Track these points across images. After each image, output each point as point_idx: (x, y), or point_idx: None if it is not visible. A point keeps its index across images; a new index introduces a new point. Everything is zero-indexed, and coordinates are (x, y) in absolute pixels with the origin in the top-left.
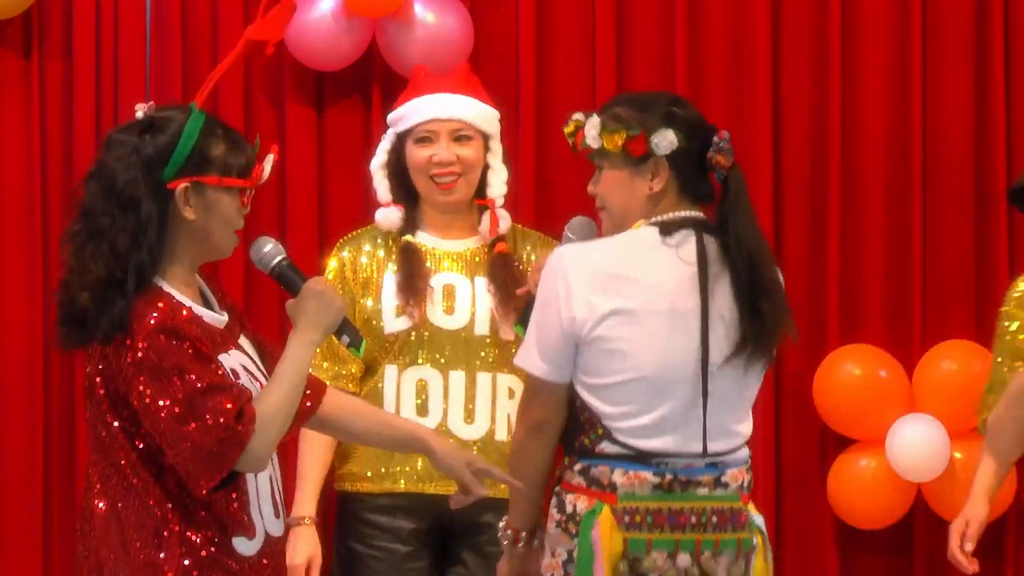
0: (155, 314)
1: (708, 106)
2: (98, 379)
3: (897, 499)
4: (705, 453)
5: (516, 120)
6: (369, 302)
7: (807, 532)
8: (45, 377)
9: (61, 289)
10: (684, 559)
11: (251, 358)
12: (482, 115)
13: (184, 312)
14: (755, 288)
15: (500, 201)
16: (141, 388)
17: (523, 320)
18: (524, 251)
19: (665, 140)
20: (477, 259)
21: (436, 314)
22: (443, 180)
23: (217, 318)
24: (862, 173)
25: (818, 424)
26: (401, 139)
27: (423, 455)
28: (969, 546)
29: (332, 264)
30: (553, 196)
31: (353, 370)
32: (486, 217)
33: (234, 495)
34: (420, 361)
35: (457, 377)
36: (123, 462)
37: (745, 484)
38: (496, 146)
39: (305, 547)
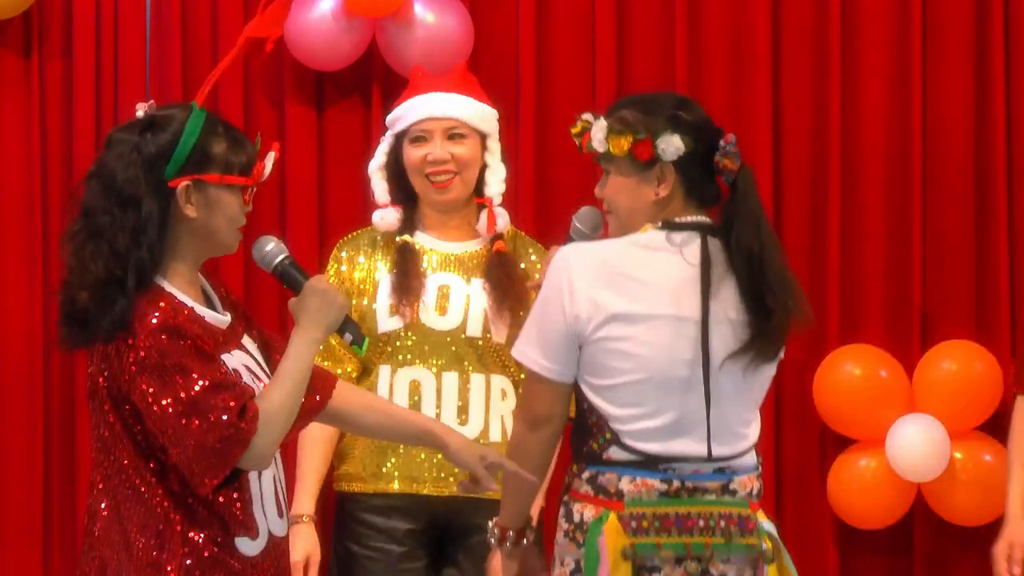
0: (157, 313)
1: (708, 106)
2: (100, 379)
3: (897, 499)
4: (710, 456)
5: (516, 120)
6: (364, 302)
7: (807, 532)
8: (45, 377)
9: (62, 289)
10: (693, 564)
11: (254, 358)
12: (477, 114)
13: (185, 312)
14: (759, 287)
15: (498, 199)
16: (144, 387)
17: None
18: (525, 257)
19: (671, 146)
20: (475, 261)
21: (429, 315)
22: (438, 179)
23: (219, 318)
24: (862, 173)
25: (818, 424)
26: (398, 140)
27: (435, 449)
28: (1017, 570)
29: (331, 264)
30: (553, 196)
31: (349, 370)
32: (484, 215)
33: (237, 495)
34: (413, 362)
35: (450, 378)
36: (126, 462)
37: (754, 492)
38: (494, 145)
39: (303, 545)
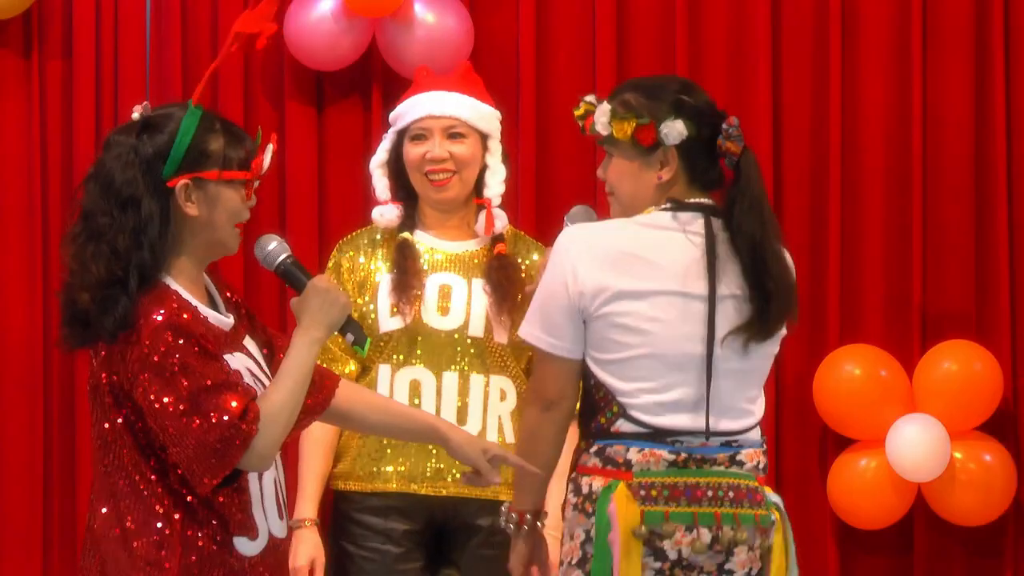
0: (162, 311)
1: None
2: (103, 375)
3: (897, 499)
4: (708, 431)
5: (516, 120)
6: (365, 300)
7: (807, 532)
8: (45, 376)
9: (63, 291)
10: (703, 532)
11: (255, 360)
12: (478, 113)
13: (190, 311)
14: (759, 270)
15: (497, 200)
16: (146, 385)
17: None
18: (527, 258)
19: (674, 130)
20: (475, 261)
21: (430, 314)
22: (436, 177)
23: (222, 320)
24: (862, 172)
25: (818, 424)
26: (400, 137)
27: (435, 445)
28: None
29: (331, 265)
30: (553, 195)
31: (347, 370)
32: (482, 216)
33: (237, 495)
34: (413, 361)
35: (450, 378)
36: (126, 460)
37: (761, 466)
38: (494, 145)
39: (307, 549)
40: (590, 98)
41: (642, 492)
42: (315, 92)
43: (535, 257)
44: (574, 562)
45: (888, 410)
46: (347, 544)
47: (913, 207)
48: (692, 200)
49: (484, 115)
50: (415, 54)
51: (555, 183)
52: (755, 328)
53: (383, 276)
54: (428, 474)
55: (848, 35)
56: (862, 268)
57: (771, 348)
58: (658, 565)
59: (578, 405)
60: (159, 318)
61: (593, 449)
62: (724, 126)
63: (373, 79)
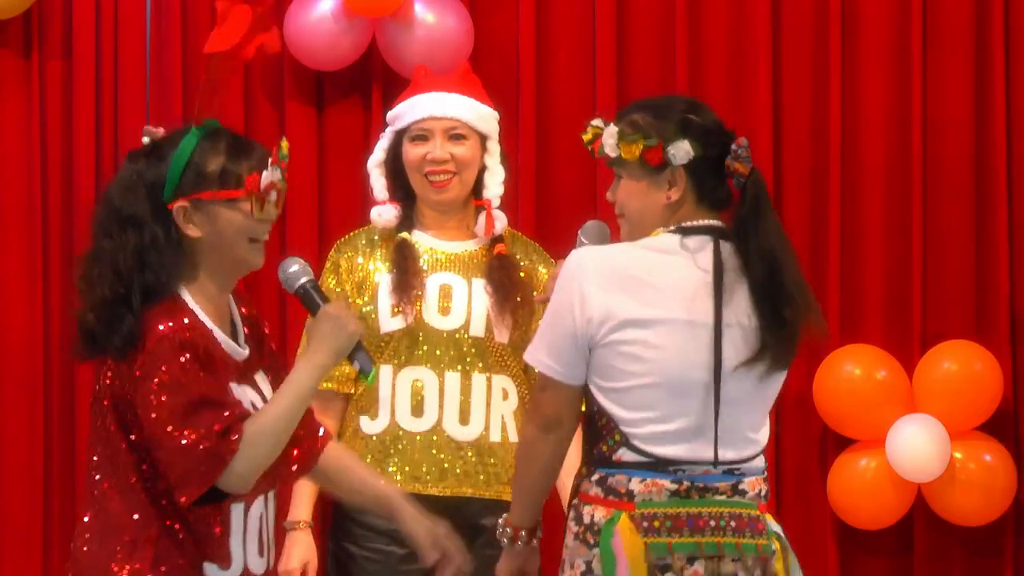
0: (169, 323)
1: (708, 101)
2: (106, 381)
3: (897, 499)
4: (716, 460)
5: (516, 120)
6: (365, 301)
7: (807, 532)
8: (45, 377)
9: (75, 311)
10: (707, 563)
11: (263, 396)
12: (478, 115)
13: (201, 329)
14: (776, 295)
15: (496, 202)
16: (143, 395)
17: None
18: (525, 259)
19: (681, 151)
20: (475, 261)
21: (431, 314)
22: (437, 178)
23: (236, 349)
24: (862, 173)
25: (818, 424)
26: (398, 137)
27: (386, 518)
28: None
29: (329, 267)
30: (553, 196)
31: (348, 370)
32: (482, 218)
33: (218, 519)
34: (415, 362)
35: (452, 378)
36: (115, 466)
37: (763, 493)
38: (494, 146)
39: (300, 551)
40: (597, 122)
41: (644, 524)
42: (315, 92)
43: (533, 258)
44: None
45: (888, 410)
46: (349, 545)
47: (913, 207)
48: (700, 223)
49: (484, 116)
50: (415, 54)
51: (555, 184)
52: (768, 358)
53: (382, 276)
54: (432, 474)
55: (848, 35)
56: (862, 268)
57: (781, 376)
58: None
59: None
60: (162, 328)
61: (595, 477)
62: (733, 147)
63: (373, 79)
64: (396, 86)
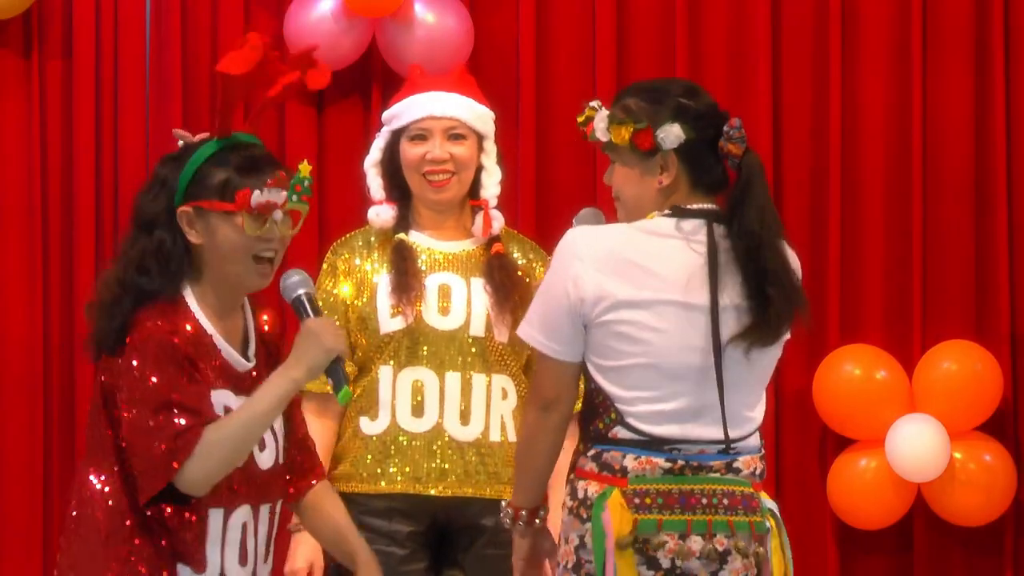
0: (158, 323)
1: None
2: (101, 377)
3: (897, 499)
4: (727, 440)
5: (516, 120)
6: (364, 302)
7: (807, 532)
8: (45, 377)
9: (86, 310)
10: (696, 540)
11: None
12: (476, 114)
13: (194, 333)
14: (759, 274)
15: (493, 202)
16: (122, 392)
17: None
18: (522, 257)
19: (671, 134)
20: (473, 260)
21: (431, 314)
22: (436, 178)
23: (239, 360)
24: (862, 173)
25: (818, 424)
26: (395, 137)
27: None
28: None
29: (325, 267)
30: (553, 196)
31: (347, 370)
32: (479, 218)
33: (194, 523)
34: (416, 362)
35: (453, 378)
36: (102, 461)
37: (757, 472)
38: (490, 146)
39: (305, 552)
40: (593, 103)
41: (636, 500)
42: (315, 92)
43: (531, 256)
44: (569, 566)
45: (888, 410)
46: None
47: (913, 208)
48: (695, 206)
49: (482, 116)
50: (415, 54)
51: (555, 183)
52: (755, 334)
53: (381, 277)
54: (432, 474)
55: (848, 36)
56: (862, 268)
57: (774, 353)
58: (651, 574)
59: (579, 405)
60: (149, 327)
61: (591, 453)
62: (726, 128)
63: (373, 79)
64: (396, 86)
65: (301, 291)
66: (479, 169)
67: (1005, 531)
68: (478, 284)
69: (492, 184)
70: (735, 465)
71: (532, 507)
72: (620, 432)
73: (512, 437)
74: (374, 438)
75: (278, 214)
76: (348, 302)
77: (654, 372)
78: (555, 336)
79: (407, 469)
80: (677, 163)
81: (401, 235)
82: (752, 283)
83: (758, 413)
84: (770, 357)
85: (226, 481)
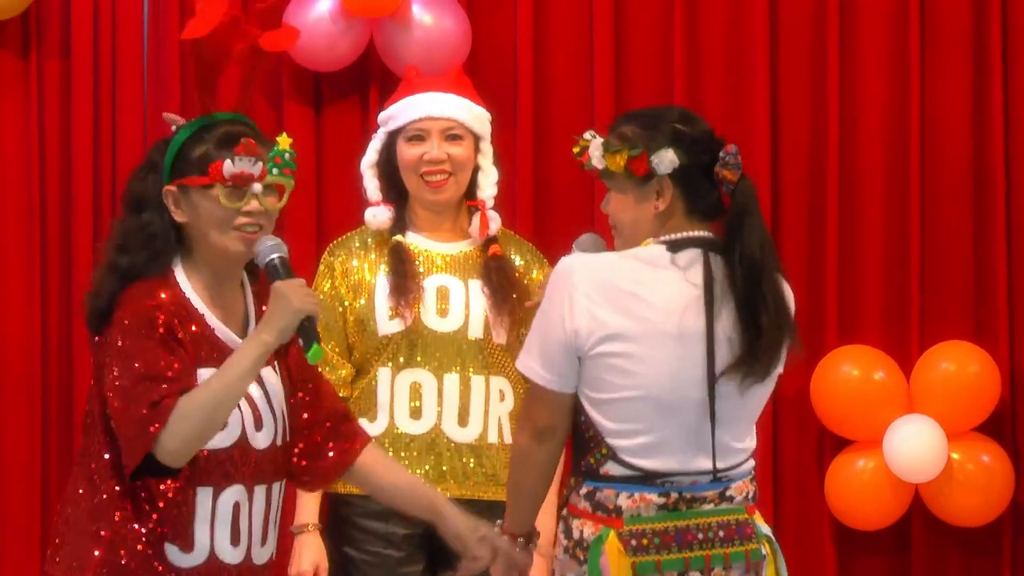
0: (142, 298)
1: (706, 106)
2: (93, 359)
3: (895, 500)
4: (715, 472)
5: (513, 122)
6: (362, 303)
7: (805, 533)
8: (44, 376)
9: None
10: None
11: (264, 390)
12: (473, 115)
13: (174, 304)
14: (754, 303)
15: (491, 203)
16: (106, 366)
17: None
18: (519, 256)
19: (665, 160)
20: (470, 262)
21: (430, 316)
22: (433, 179)
23: (233, 338)
24: (860, 174)
25: (816, 425)
26: (392, 138)
27: (433, 519)
28: None
29: (322, 268)
30: (550, 197)
31: (343, 374)
32: (476, 219)
33: (181, 501)
34: (414, 364)
35: (451, 380)
36: (95, 444)
37: (750, 495)
38: (487, 147)
39: (311, 554)
40: (587, 135)
41: (633, 542)
42: (313, 93)
43: (528, 258)
44: None
45: (886, 411)
46: (349, 549)
47: (911, 208)
48: (690, 235)
49: (479, 117)
50: (413, 55)
51: (552, 185)
52: (747, 366)
53: (378, 279)
54: (431, 476)
55: (846, 36)
56: (860, 269)
57: (767, 388)
58: None
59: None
60: (132, 303)
61: (583, 491)
62: (721, 154)
63: (371, 80)
64: (394, 87)
65: (274, 255)
66: (476, 170)
67: (1003, 532)
68: (476, 286)
69: (489, 185)
70: (728, 493)
71: (525, 532)
72: (612, 468)
73: (509, 439)
74: (375, 440)
75: (256, 186)
76: (346, 303)
77: (646, 404)
78: (551, 367)
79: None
80: (672, 188)
81: (398, 236)
82: (746, 313)
83: (750, 443)
84: (762, 393)
85: (215, 459)
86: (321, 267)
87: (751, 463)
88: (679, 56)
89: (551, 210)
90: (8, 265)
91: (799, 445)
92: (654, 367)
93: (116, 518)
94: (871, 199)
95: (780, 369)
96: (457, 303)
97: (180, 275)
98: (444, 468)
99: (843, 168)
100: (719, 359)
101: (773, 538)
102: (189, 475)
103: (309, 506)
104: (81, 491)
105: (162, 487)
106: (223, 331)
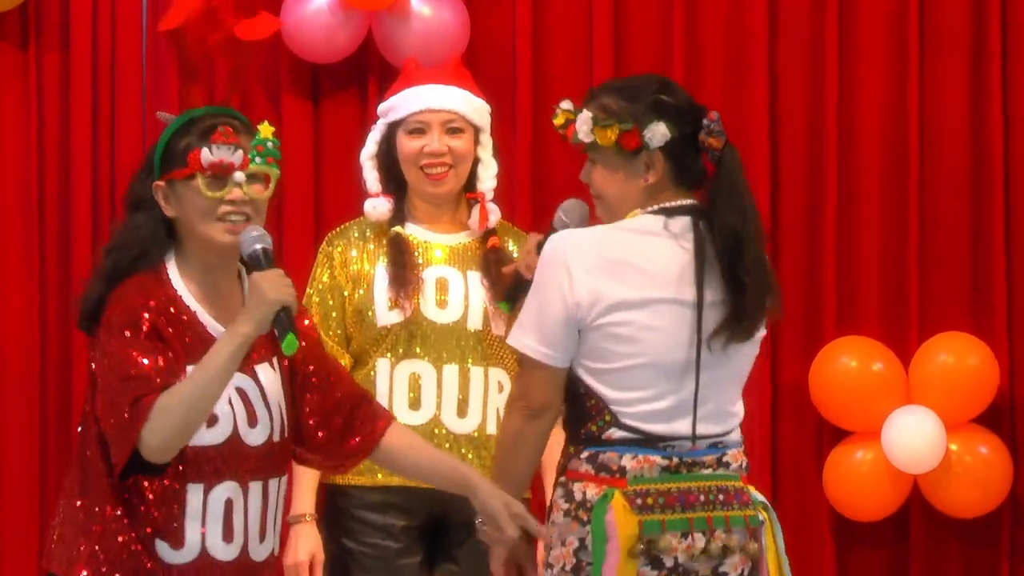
0: (131, 296)
1: (706, 99)
2: (89, 361)
3: (893, 491)
4: (694, 436)
5: (512, 114)
6: (361, 294)
7: (803, 524)
8: (42, 376)
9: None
10: (699, 538)
11: (259, 385)
12: (474, 107)
13: (163, 300)
14: (738, 264)
15: (490, 195)
16: (96, 363)
17: (509, 297)
18: (518, 248)
19: (658, 134)
20: (469, 253)
21: (429, 308)
22: (433, 171)
23: (220, 331)
24: (858, 166)
25: (814, 416)
26: (392, 129)
27: (464, 494)
28: None
29: (321, 257)
30: (549, 190)
31: (342, 364)
32: (476, 211)
33: (171, 498)
34: (413, 355)
35: (451, 371)
36: (88, 441)
37: (744, 466)
38: (486, 139)
39: (307, 544)
40: (567, 105)
41: (638, 501)
42: (311, 85)
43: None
44: (567, 568)
45: (884, 402)
46: (346, 540)
47: (909, 200)
48: (680, 203)
49: (479, 109)
50: (411, 47)
51: (551, 177)
52: (732, 327)
53: (377, 269)
54: None
55: (845, 32)
56: (858, 261)
57: (751, 350)
58: (655, 573)
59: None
60: (120, 301)
61: (584, 455)
62: (706, 122)
63: (369, 72)
64: (392, 79)
65: (257, 246)
66: (475, 162)
67: (1001, 523)
68: (475, 277)
69: (488, 177)
70: (725, 459)
71: None
72: (615, 433)
73: None
74: None
75: (239, 175)
76: (345, 293)
77: (650, 371)
78: (551, 343)
79: None
80: (662, 161)
81: (397, 228)
82: (730, 275)
83: (739, 409)
84: (746, 354)
85: (205, 456)
86: (320, 257)
87: (739, 434)
88: (678, 50)
89: (548, 202)
90: (6, 258)
91: (798, 436)
92: (655, 333)
93: (107, 514)
94: (869, 190)
95: (763, 331)
96: (456, 295)
97: (172, 271)
98: None
99: (842, 161)
100: (707, 323)
101: (770, 506)
102: (179, 472)
103: (305, 497)
104: (76, 487)
105: (152, 484)
106: (215, 327)
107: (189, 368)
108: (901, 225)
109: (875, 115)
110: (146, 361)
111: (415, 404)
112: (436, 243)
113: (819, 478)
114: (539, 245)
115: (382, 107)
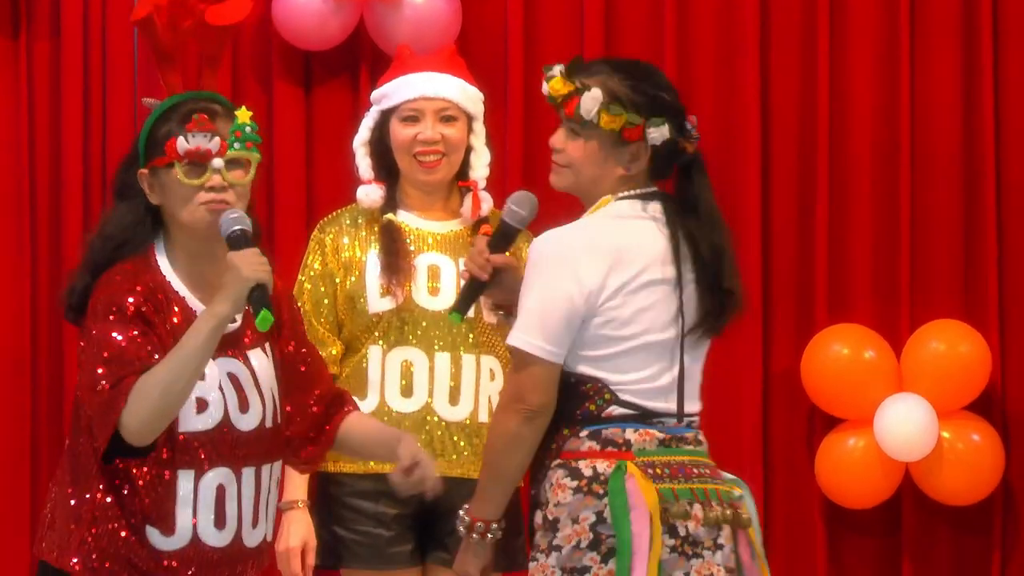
0: (116, 283)
1: (697, 92)
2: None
3: (885, 479)
4: (681, 413)
5: (504, 102)
6: (353, 281)
7: (795, 512)
8: (33, 360)
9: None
10: (699, 508)
11: (251, 370)
12: (467, 95)
13: (148, 286)
14: (719, 267)
15: (483, 183)
16: (81, 347)
17: (461, 307)
18: None
19: (661, 134)
20: (461, 241)
21: (421, 295)
22: (426, 159)
23: None
24: (850, 154)
25: (806, 404)
26: (385, 117)
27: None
28: None
29: (313, 244)
30: (540, 178)
31: (333, 352)
32: (468, 199)
33: (162, 482)
34: (405, 342)
35: (443, 358)
36: (77, 426)
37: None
38: (479, 128)
39: (299, 530)
40: (557, 68)
41: (649, 471)
42: (303, 72)
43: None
44: (583, 545)
45: (876, 390)
46: (338, 528)
47: (901, 188)
48: (652, 190)
49: (472, 97)
50: (403, 34)
51: (542, 166)
52: (710, 324)
53: (369, 256)
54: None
55: (836, 25)
56: (850, 248)
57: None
58: (672, 542)
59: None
60: (105, 287)
61: (584, 433)
62: (688, 126)
63: (361, 59)
64: (384, 66)
65: (236, 227)
66: (468, 150)
67: (993, 511)
68: None
69: (481, 165)
70: (699, 438)
71: (496, 519)
72: (616, 410)
73: None
74: None
75: (217, 162)
76: (337, 280)
77: (645, 352)
78: (557, 340)
79: None
80: (648, 155)
81: (389, 215)
82: (709, 272)
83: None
84: (707, 341)
85: (195, 441)
86: (311, 243)
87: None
88: (669, 39)
89: (540, 191)
90: None
91: (789, 424)
92: (652, 313)
93: (98, 501)
94: (860, 179)
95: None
96: (448, 282)
97: (161, 257)
98: (434, 447)
99: (833, 149)
100: (688, 302)
101: (741, 481)
102: (168, 458)
103: (298, 483)
104: (67, 475)
105: (142, 470)
106: (201, 309)
107: None
108: (893, 213)
109: (868, 103)
110: (128, 344)
111: (407, 391)
112: (428, 230)
113: (811, 466)
114: (491, 245)
115: (375, 94)
